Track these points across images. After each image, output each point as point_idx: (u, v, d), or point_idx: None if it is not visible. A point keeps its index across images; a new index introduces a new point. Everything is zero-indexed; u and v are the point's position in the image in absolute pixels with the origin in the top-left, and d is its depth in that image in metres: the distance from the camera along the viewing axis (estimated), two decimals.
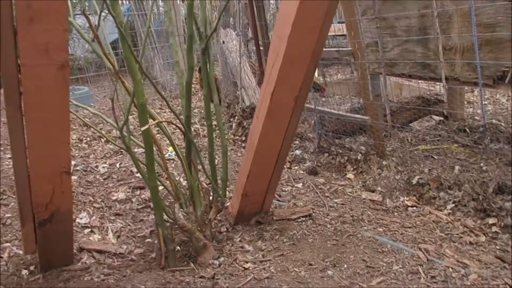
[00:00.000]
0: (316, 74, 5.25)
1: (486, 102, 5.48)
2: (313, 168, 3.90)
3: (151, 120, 2.38)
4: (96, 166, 4.05)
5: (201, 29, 2.54)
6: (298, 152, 4.27)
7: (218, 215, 2.91)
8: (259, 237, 2.76)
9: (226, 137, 4.93)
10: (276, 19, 2.57)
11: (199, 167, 2.67)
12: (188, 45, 2.53)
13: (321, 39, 2.37)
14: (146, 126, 2.17)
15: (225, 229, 2.91)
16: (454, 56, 3.42)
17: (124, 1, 8.50)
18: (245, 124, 4.85)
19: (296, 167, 4.05)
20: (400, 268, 2.29)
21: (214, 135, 2.77)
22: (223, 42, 5.52)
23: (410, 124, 4.70)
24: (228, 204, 3.06)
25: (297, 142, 4.48)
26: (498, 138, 3.89)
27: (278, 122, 2.60)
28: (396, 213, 3.06)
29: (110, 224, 3.02)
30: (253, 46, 4.85)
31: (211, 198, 2.73)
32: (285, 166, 4.03)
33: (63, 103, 1.87)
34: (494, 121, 4.55)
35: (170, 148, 4.35)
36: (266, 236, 2.75)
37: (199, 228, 2.56)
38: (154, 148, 2.43)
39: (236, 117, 5.12)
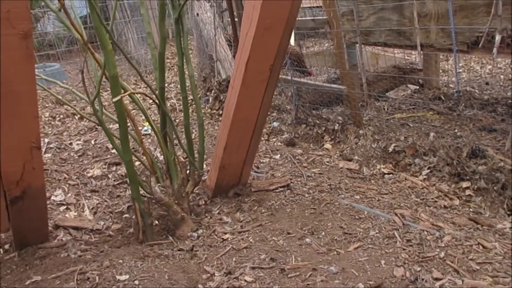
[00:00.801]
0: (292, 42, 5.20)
1: (460, 70, 5.53)
2: (290, 139, 3.90)
3: (124, 92, 2.32)
4: (70, 143, 3.97)
5: None
6: (275, 124, 4.25)
7: (196, 188, 2.90)
8: (237, 209, 2.75)
9: (203, 111, 4.88)
10: None
11: (176, 140, 2.63)
12: (159, 14, 2.46)
13: (294, 6, 2.32)
14: (118, 97, 2.12)
15: (204, 202, 2.89)
16: (429, 23, 3.41)
17: None
18: (221, 97, 4.80)
19: (274, 139, 4.04)
20: (376, 233, 2.32)
21: (190, 108, 2.73)
22: (197, 14, 5.40)
23: (386, 93, 4.73)
24: (206, 177, 3.04)
25: (274, 114, 4.46)
26: (472, 105, 3.94)
27: (254, 92, 2.57)
28: (373, 181, 3.09)
29: (86, 201, 2.98)
30: (228, 17, 4.77)
31: (188, 171, 2.71)
32: (263, 138, 4.03)
33: (29, 74, 1.80)
34: (468, 88, 4.60)
35: (146, 123, 4.29)
36: (245, 208, 2.75)
37: (176, 202, 2.54)
38: (129, 123, 2.38)
39: (213, 91, 5.06)
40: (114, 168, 3.46)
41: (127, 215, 2.83)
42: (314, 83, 4.11)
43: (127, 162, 2.36)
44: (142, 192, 2.46)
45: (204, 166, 3.37)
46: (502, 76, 5.03)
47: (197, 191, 2.98)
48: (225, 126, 2.71)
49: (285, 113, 4.38)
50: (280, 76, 4.36)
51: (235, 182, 2.96)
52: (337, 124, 3.81)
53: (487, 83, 4.79)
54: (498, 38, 2.78)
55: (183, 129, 2.82)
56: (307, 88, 4.22)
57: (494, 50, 2.81)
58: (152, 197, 2.47)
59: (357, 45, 3.81)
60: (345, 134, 3.72)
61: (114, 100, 2.12)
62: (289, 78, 4.17)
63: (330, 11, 3.51)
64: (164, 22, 2.44)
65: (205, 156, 3.54)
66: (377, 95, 4.35)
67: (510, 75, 4.91)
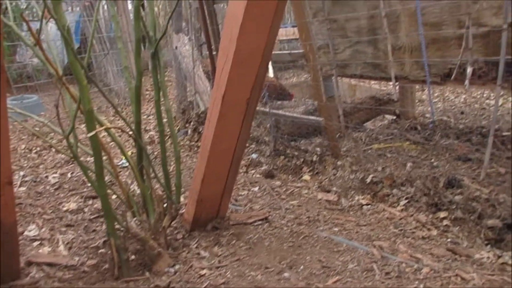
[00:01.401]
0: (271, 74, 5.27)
1: (436, 100, 5.65)
2: (269, 171, 3.89)
3: (99, 126, 2.30)
4: (46, 176, 3.90)
5: (151, 33, 2.49)
6: (254, 155, 4.25)
7: (173, 222, 2.85)
8: (215, 243, 2.71)
9: (182, 143, 4.87)
10: (224, 20, 2.54)
11: (153, 174, 2.60)
12: (135, 50, 2.47)
13: (270, 40, 2.36)
14: (93, 132, 2.10)
15: (181, 236, 2.84)
16: (403, 55, 3.49)
17: (73, 8, 8.28)
18: (200, 129, 4.80)
19: (253, 171, 4.03)
20: (355, 266, 2.30)
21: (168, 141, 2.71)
22: (176, 47, 5.45)
23: (364, 124, 4.78)
24: (183, 210, 3.00)
25: (253, 145, 4.47)
26: (447, 134, 4.00)
27: (231, 125, 2.57)
28: (351, 212, 3.09)
29: (61, 236, 2.90)
30: (206, 50, 4.81)
31: (165, 205, 2.67)
32: (241, 170, 4.01)
33: (1, 110, 1.77)
34: (444, 118, 4.69)
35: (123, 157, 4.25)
36: (223, 242, 2.71)
37: (153, 236, 2.49)
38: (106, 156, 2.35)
39: (192, 123, 5.07)
40: (90, 202, 3.40)
41: (102, 250, 2.76)
42: (292, 115, 4.14)
43: (102, 196, 2.32)
44: (118, 226, 2.41)
45: (182, 199, 3.33)
46: (476, 106, 5.14)
47: (174, 225, 2.94)
48: (203, 159, 2.70)
49: (264, 144, 4.39)
50: (258, 108, 4.40)
51: (213, 215, 2.92)
52: (315, 155, 3.82)
53: (462, 113, 4.90)
54: (469, 70, 2.86)
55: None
56: (285, 119, 4.24)
57: (466, 81, 2.88)
58: (128, 232, 2.42)
59: (334, 77, 3.87)
60: (323, 165, 3.73)
61: (89, 135, 2.10)
62: (267, 110, 4.19)
63: (307, 45, 3.57)
64: (140, 57, 2.45)
65: (183, 189, 3.52)
66: (355, 126, 4.39)
67: (483, 105, 5.02)
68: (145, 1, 2.54)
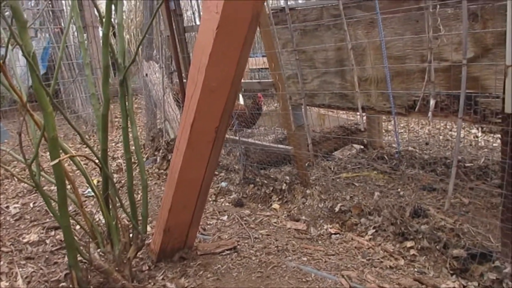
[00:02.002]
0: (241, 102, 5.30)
1: (401, 131, 5.78)
2: (238, 199, 3.87)
3: (64, 154, 2.25)
4: (7, 207, 3.76)
5: (119, 60, 2.47)
6: (224, 184, 4.23)
7: (139, 253, 2.79)
8: (182, 274, 2.65)
9: (151, 171, 4.81)
10: (193, 49, 2.56)
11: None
12: (103, 77, 2.45)
13: (239, 69, 2.38)
14: (56, 161, 2.04)
15: (147, 267, 2.77)
16: (369, 87, 3.58)
17: (42, 34, 8.19)
18: (169, 157, 4.75)
19: (222, 199, 4.00)
20: None
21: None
22: (146, 74, 5.44)
23: (333, 153, 4.83)
24: (150, 240, 2.94)
25: (222, 174, 4.45)
26: (413, 164, 4.09)
27: (199, 154, 2.55)
28: (320, 241, 3.08)
29: (20, 269, 2.78)
30: (177, 78, 4.81)
31: (131, 235, 2.61)
32: (210, 199, 3.98)
33: None
34: (410, 148, 4.79)
35: None
36: (190, 272, 2.66)
37: (117, 268, 2.42)
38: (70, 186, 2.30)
39: (161, 150, 5.02)
40: (52, 233, 3.29)
41: (64, 284, 2.66)
42: (261, 143, 4.15)
43: (65, 227, 2.25)
44: (81, 258, 2.34)
45: (149, 229, 3.27)
46: (440, 137, 5.28)
47: (140, 256, 2.87)
48: (170, 188, 2.66)
49: (234, 173, 4.38)
50: (228, 136, 4.40)
51: (181, 245, 2.87)
52: (285, 184, 3.83)
53: (426, 143, 5.01)
54: (432, 102, 2.94)
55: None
56: (255, 148, 4.25)
57: (429, 113, 2.96)
58: (90, 264, 2.35)
59: (303, 107, 3.92)
60: (292, 194, 3.74)
61: (52, 163, 2.04)
62: (237, 138, 4.20)
63: (276, 74, 3.61)
64: (108, 84, 2.42)
65: (150, 218, 3.46)
66: (324, 155, 4.44)
67: (447, 136, 5.16)
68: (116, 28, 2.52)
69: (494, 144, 4.85)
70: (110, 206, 2.54)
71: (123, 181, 4.31)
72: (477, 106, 2.90)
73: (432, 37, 2.84)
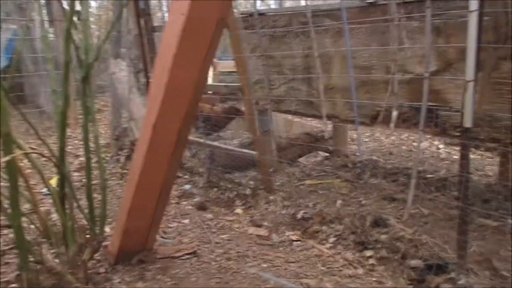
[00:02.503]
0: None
1: (367, 140, 5.85)
2: (201, 203, 3.83)
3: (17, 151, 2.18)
4: None
5: (82, 56, 2.42)
6: (187, 186, 4.18)
7: (97, 255, 2.72)
8: (140, 277, 2.60)
9: (114, 170, 4.72)
10: (158, 50, 2.52)
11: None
12: (64, 73, 2.38)
13: (204, 72, 2.36)
14: (7, 158, 1.97)
15: (104, 270, 2.71)
16: (335, 95, 3.60)
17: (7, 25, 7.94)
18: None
19: (185, 202, 3.95)
20: None
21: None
22: (113, 72, 5.34)
23: (298, 159, 4.85)
24: (108, 242, 2.87)
25: (186, 176, 4.40)
26: (376, 174, 4.13)
27: (161, 156, 2.51)
28: (281, 248, 3.07)
29: None
30: (144, 77, 4.75)
31: (88, 236, 2.54)
32: (173, 201, 3.92)
33: None
34: (374, 157, 4.85)
35: (52, 181, 4.04)
36: (148, 276, 2.61)
37: (71, 270, 2.35)
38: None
39: (125, 150, 4.93)
40: (5, 231, 3.17)
41: (14, 285, 2.56)
42: (226, 147, 4.13)
43: (16, 226, 2.18)
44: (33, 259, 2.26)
45: (108, 230, 3.20)
46: (404, 147, 5.37)
47: (98, 258, 2.80)
48: (130, 189, 2.61)
49: (198, 175, 4.34)
50: (193, 138, 4.36)
51: (140, 248, 2.82)
52: (249, 189, 3.81)
53: (390, 153, 5.09)
54: (395, 114, 2.99)
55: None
56: (220, 151, 4.22)
57: (392, 124, 3.00)
58: (43, 265, 2.27)
59: (269, 112, 3.91)
60: (256, 199, 3.73)
61: (3, 160, 1.97)
62: (202, 141, 4.16)
63: (243, 79, 3.60)
64: (68, 80, 2.36)
65: (110, 219, 3.38)
66: (288, 161, 4.44)
67: (410, 147, 5.26)
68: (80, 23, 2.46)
69: (455, 156, 4.96)
70: (67, 206, 2.47)
71: (84, 180, 4.21)
72: (438, 119, 2.96)
73: (397, 49, 2.88)
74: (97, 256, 2.74)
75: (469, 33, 2.21)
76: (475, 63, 2.23)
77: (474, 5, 2.17)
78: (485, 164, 4.68)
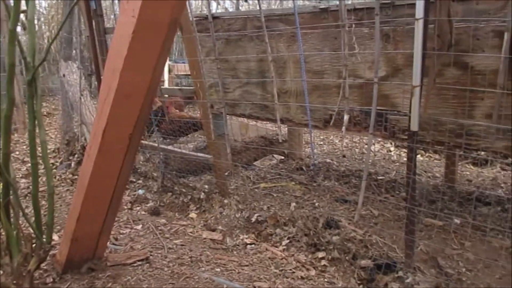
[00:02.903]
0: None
1: (321, 143, 5.95)
2: (155, 208, 3.77)
3: None
4: None
5: (28, 58, 2.33)
6: (140, 191, 4.11)
7: (44, 264, 2.63)
8: (89, 286, 2.53)
9: (64, 176, 4.58)
10: (108, 52, 2.47)
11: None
12: (8, 76, 2.29)
13: (156, 74, 2.32)
14: None
15: (52, 280, 2.61)
16: (289, 99, 3.65)
17: None
18: None
19: (138, 208, 3.88)
20: None
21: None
22: (64, 75, 5.19)
23: (253, 163, 4.87)
24: (56, 251, 2.78)
25: (140, 181, 4.33)
26: (329, 176, 4.21)
27: (111, 161, 2.45)
28: (235, 252, 3.07)
29: None
30: (96, 80, 4.64)
31: (34, 245, 2.45)
32: (125, 207, 3.85)
33: None
34: (327, 160, 4.94)
35: None
36: (98, 285, 2.54)
37: (15, 282, 2.26)
38: None
39: (76, 155, 4.80)
40: None
41: None
42: (180, 151, 4.09)
43: None
44: None
45: (57, 238, 3.11)
46: (357, 150, 5.49)
47: (45, 267, 2.70)
48: (79, 196, 2.53)
49: (152, 180, 4.28)
50: (147, 142, 4.30)
51: (90, 256, 2.74)
52: (203, 193, 3.79)
53: (343, 156, 5.19)
54: (346, 117, 3.05)
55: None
56: (174, 155, 4.18)
57: (343, 128, 3.06)
58: None
59: (223, 115, 3.91)
60: (210, 203, 3.71)
61: None
62: (156, 145, 4.11)
63: (198, 82, 3.58)
64: (12, 83, 2.27)
65: (59, 227, 3.28)
66: (243, 164, 4.45)
67: (363, 149, 5.38)
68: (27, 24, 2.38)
69: (405, 159, 5.12)
70: (12, 214, 2.37)
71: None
72: (387, 122, 3.05)
73: (348, 54, 2.94)
74: (44, 265, 2.65)
75: (416, 40, 2.29)
76: (421, 69, 2.31)
77: (420, 13, 2.25)
78: (433, 166, 4.86)
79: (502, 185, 4.11)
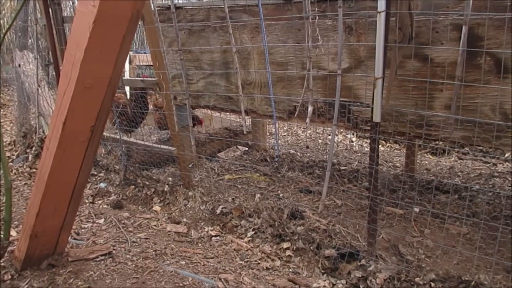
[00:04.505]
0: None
1: (285, 134, 5.99)
2: (118, 201, 3.71)
3: None
4: None
5: None
6: (102, 185, 4.03)
7: (2, 261, 2.54)
8: (50, 283, 2.46)
9: (21, 170, 4.44)
10: (67, 43, 2.39)
11: None
12: None
13: (117, 66, 2.26)
14: None
15: (10, 277, 2.53)
16: (253, 91, 3.64)
17: None
18: None
19: (100, 201, 3.80)
20: None
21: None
22: (19, 65, 5.00)
23: (217, 154, 4.85)
24: (15, 247, 2.69)
25: (102, 174, 4.24)
26: (293, 167, 4.24)
27: (72, 154, 2.39)
28: (200, 244, 3.06)
29: None
30: (53, 71, 4.49)
31: None
32: (87, 201, 3.77)
33: None
34: (291, 151, 4.97)
35: None
36: (59, 281, 2.48)
37: None
38: None
39: (34, 148, 4.65)
40: None
41: None
42: (143, 143, 4.03)
43: None
44: None
45: (15, 234, 3.01)
46: (320, 141, 5.56)
47: (3, 264, 2.61)
48: (38, 191, 2.46)
49: (114, 173, 4.19)
50: (109, 135, 4.21)
51: (50, 251, 2.67)
52: (167, 186, 3.75)
53: (307, 147, 5.25)
54: (310, 108, 3.07)
55: None
56: (137, 148, 4.11)
57: (307, 119, 3.09)
58: None
59: (187, 107, 3.86)
60: (174, 195, 3.67)
61: None
62: (118, 137, 4.03)
63: (160, 73, 3.52)
64: None
65: (17, 222, 3.18)
66: (208, 156, 4.43)
67: (326, 140, 5.44)
68: None
69: (366, 149, 5.22)
70: None
71: None
72: (350, 114, 3.09)
73: (311, 46, 2.96)
74: (1, 262, 2.57)
75: (378, 32, 2.32)
76: (383, 61, 2.35)
77: (382, 5, 2.28)
78: (393, 155, 4.98)
79: (459, 173, 4.26)
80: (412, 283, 2.40)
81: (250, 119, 4.81)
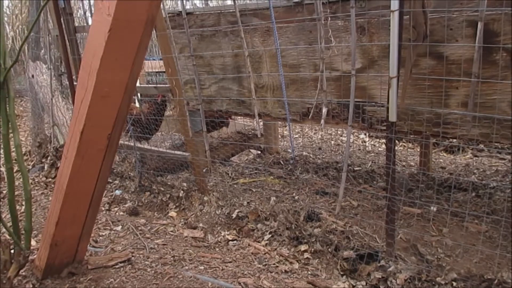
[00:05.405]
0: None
1: (296, 136, 5.98)
2: (134, 208, 3.72)
3: None
4: None
5: None
6: (118, 192, 4.05)
7: (23, 271, 2.56)
8: None
9: (37, 179, 4.47)
10: (83, 52, 2.41)
11: None
12: None
13: (133, 73, 2.28)
14: None
15: (31, 286, 2.55)
16: (266, 94, 3.64)
17: None
18: (59, 164, 4.44)
19: (116, 208, 3.82)
20: None
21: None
22: (33, 76, 5.05)
23: (231, 158, 4.86)
24: (35, 256, 2.71)
25: (117, 181, 4.26)
26: (307, 169, 4.23)
27: (90, 162, 2.40)
28: (217, 249, 3.06)
29: None
30: (67, 80, 4.53)
31: (12, 251, 2.39)
32: (103, 208, 3.79)
33: None
34: (304, 153, 4.97)
35: None
36: None
37: None
38: None
39: (49, 157, 4.68)
40: None
41: None
42: (157, 150, 4.04)
43: None
44: None
45: (34, 243, 3.04)
46: (332, 142, 5.54)
47: (24, 273, 2.63)
48: (58, 200, 2.47)
49: (129, 180, 4.22)
50: (123, 142, 4.23)
51: (70, 260, 2.69)
52: (182, 191, 3.76)
53: (319, 149, 5.23)
54: (324, 110, 3.07)
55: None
56: (151, 154, 4.13)
57: (322, 121, 3.08)
58: None
59: (200, 112, 3.88)
60: (190, 201, 3.68)
61: None
62: (132, 144, 4.05)
63: (173, 79, 3.54)
64: None
65: (35, 231, 3.21)
66: (221, 160, 4.44)
67: (338, 141, 5.43)
68: None
69: (379, 149, 5.19)
70: None
71: (5, 192, 3.95)
72: (365, 114, 3.08)
73: (324, 47, 2.95)
74: (22, 271, 2.58)
75: (392, 31, 2.31)
76: (397, 60, 2.34)
77: (395, 4, 2.27)
78: (407, 154, 4.95)
79: (475, 171, 4.22)
80: (433, 283, 2.38)
81: (262, 122, 4.81)
